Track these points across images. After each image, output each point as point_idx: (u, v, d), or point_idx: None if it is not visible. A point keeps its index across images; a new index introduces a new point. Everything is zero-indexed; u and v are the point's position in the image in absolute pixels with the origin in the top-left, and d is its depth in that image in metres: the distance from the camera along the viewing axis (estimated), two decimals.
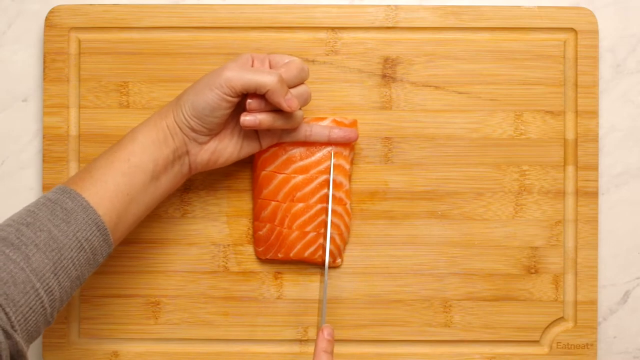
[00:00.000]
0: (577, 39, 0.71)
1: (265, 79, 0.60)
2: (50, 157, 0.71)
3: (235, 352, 0.71)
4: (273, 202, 0.68)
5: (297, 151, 0.68)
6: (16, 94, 0.73)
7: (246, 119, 0.62)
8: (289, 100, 0.61)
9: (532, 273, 0.71)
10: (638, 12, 0.73)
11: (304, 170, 0.68)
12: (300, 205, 0.68)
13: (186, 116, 0.61)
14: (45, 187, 0.70)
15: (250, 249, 0.71)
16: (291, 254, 0.69)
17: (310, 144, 0.68)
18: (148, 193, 0.61)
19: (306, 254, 0.69)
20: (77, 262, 0.55)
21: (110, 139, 0.70)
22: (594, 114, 0.70)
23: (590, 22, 0.70)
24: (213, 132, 0.63)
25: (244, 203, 0.71)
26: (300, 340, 0.71)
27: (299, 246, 0.68)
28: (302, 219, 0.68)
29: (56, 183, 0.70)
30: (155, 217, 0.70)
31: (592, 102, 0.70)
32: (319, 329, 0.63)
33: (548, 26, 0.71)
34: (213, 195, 0.71)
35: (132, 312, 0.71)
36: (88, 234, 0.56)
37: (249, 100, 0.62)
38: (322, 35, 0.71)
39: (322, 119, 0.69)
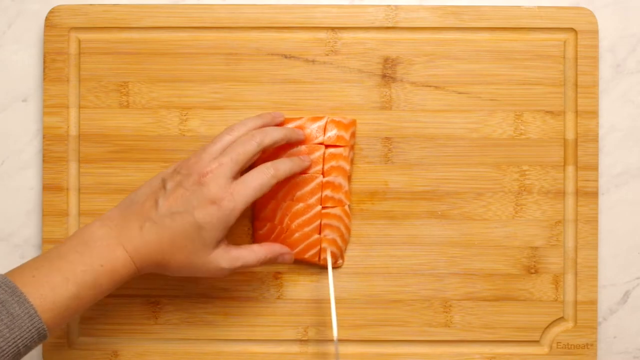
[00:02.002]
0: (577, 39, 0.71)
1: (256, 258, 0.62)
2: (50, 157, 0.71)
3: (235, 352, 0.71)
4: (273, 202, 0.68)
5: (295, 151, 0.68)
6: (16, 94, 0.73)
7: (286, 257, 0.66)
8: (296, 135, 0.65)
9: (532, 273, 0.71)
10: (638, 12, 0.73)
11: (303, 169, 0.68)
12: (300, 205, 0.68)
13: (167, 274, 0.61)
14: (45, 187, 0.70)
15: None
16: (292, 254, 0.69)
17: (310, 143, 0.68)
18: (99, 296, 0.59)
19: (307, 255, 0.69)
20: None
21: (110, 139, 0.71)
22: (594, 114, 0.70)
23: (590, 22, 0.70)
24: None
25: None
26: (300, 340, 0.71)
27: (300, 247, 0.68)
28: (302, 218, 0.68)
29: (56, 183, 0.70)
30: None
31: (592, 102, 0.70)
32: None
33: (548, 26, 0.71)
34: None
35: (132, 312, 0.71)
36: (28, 342, 0.54)
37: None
38: (322, 35, 0.71)
39: (320, 118, 0.69)
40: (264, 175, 0.61)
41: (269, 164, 0.63)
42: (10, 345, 0.53)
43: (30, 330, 0.54)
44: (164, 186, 0.61)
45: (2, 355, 0.53)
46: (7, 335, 0.53)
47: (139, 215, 0.60)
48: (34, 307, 0.54)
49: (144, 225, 0.59)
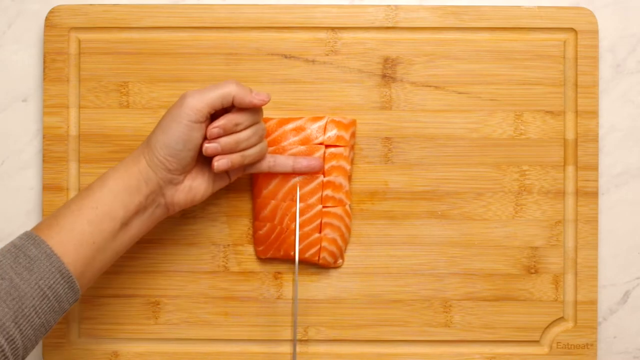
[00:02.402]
0: (577, 39, 0.71)
1: (226, 88, 0.60)
2: (50, 157, 0.71)
3: (235, 352, 0.71)
4: (273, 201, 0.68)
5: (295, 151, 0.68)
6: (16, 94, 0.73)
7: (219, 163, 0.61)
8: (257, 96, 0.61)
9: (532, 273, 0.71)
10: (638, 12, 0.73)
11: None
12: (301, 204, 0.68)
13: (160, 158, 0.60)
14: (45, 187, 0.70)
15: (250, 248, 0.71)
16: (292, 253, 0.68)
17: (310, 143, 0.68)
18: (117, 240, 0.60)
19: (307, 254, 0.69)
20: (40, 311, 0.54)
21: (111, 139, 0.71)
22: (594, 114, 0.70)
23: (590, 22, 0.70)
24: (187, 168, 0.62)
25: (244, 203, 0.71)
26: (300, 340, 0.71)
27: (300, 247, 0.68)
28: (303, 218, 0.68)
29: (56, 183, 0.70)
30: None
31: (592, 102, 0.70)
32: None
33: (548, 26, 0.71)
34: (213, 195, 0.71)
35: (132, 312, 0.71)
36: (52, 282, 0.55)
37: (204, 145, 0.61)
38: (322, 35, 0.71)
39: (320, 118, 0.69)
40: (226, 83, 0.61)
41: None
42: (32, 287, 0.54)
43: (50, 270, 0.55)
44: None
45: (28, 298, 0.54)
46: (28, 277, 0.54)
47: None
48: (51, 247, 0.56)
49: (142, 146, 0.62)
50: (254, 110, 0.63)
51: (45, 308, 0.55)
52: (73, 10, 0.71)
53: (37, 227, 0.58)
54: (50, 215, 0.59)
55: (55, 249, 0.56)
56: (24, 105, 0.73)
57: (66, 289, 0.56)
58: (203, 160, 0.64)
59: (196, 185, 0.63)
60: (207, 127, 0.61)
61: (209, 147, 0.61)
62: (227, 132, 0.62)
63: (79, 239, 0.57)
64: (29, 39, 0.73)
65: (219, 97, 0.60)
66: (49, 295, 0.55)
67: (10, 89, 0.73)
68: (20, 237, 0.57)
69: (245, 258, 0.71)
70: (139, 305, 0.71)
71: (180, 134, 0.60)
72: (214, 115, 0.62)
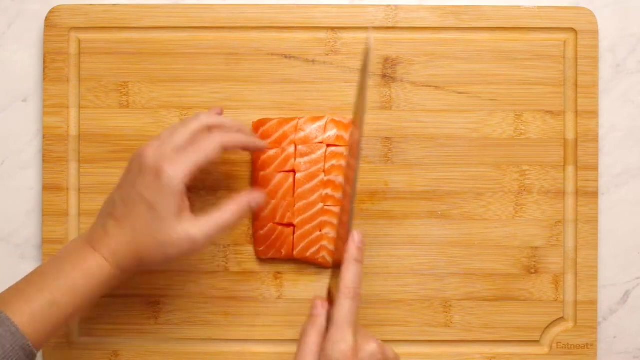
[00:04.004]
0: (577, 39, 0.71)
1: (229, 215, 0.58)
2: (50, 157, 0.71)
3: (235, 352, 0.71)
4: (273, 201, 0.68)
5: (294, 149, 0.68)
6: (16, 94, 0.73)
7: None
8: (256, 145, 0.62)
9: (532, 273, 0.71)
10: (638, 12, 0.73)
11: (304, 167, 0.68)
12: (302, 202, 0.68)
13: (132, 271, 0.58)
14: (45, 187, 0.70)
15: (250, 249, 0.71)
16: (294, 252, 0.69)
17: (310, 143, 0.68)
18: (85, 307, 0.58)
19: (308, 253, 0.69)
20: None
21: (110, 139, 0.71)
22: (594, 114, 0.71)
23: (590, 22, 0.70)
24: None
25: None
26: None
27: (301, 246, 0.68)
28: (303, 216, 0.68)
29: (56, 183, 0.70)
30: None
31: (592, 102, 0.71)
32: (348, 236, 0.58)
33: (548, 26, 0.71)
34: (213, 195, 0.71)
35: (132, 312, 0.71)
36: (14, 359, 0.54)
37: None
38: (322, 35, 0.71)
39: (320, 118, 0.69)
40: (208, 138, 0.58)
41: (216, 130, 0.60)
42: None
43: (14, 349, 0.53)
44: (119, 184, 0.60)
45: None
46: None
47: (101, 216, 0.59)
48: (15, 324, 0.54)
49: (105, 223, 0.58)
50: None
51: None
52: (73, 10, 0.71)
53: (1, 299, 0.56)
54: (15, 288, 0.57)
55: (20, 326, 0.54)
56: (24, 105, 0.73)
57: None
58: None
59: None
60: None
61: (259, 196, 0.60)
62: None
63: (47, 322, 0.55)
64: (29, 39, 0.73)
65: (225, 225, 0.58)
66: None
67: (10, 89, 0.73)
68: None
69: (245, 258, 0.71)
70: (139, 305, 0.71)
71: (170, 259, 0.57)
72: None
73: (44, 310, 0.55)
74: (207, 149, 0.58)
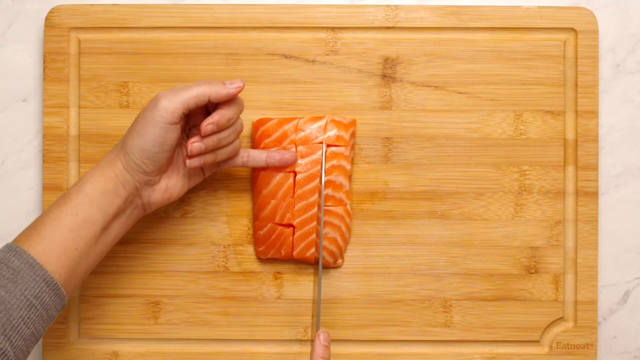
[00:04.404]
0: (577, 39, 0.71)
1: (199, 87, 0.60)
2: (50, 157, 0.71)
3: (235, 352, 0.71)
4: (273, 201, 0.68)
5: (295, 150, 0.68)
6: (16, 94, 0.73)
7: (191, 161, 0.62)
8: (231, 85, 0.61)
9: (532, 273, 0.71)
10: (638, 12, 0.73)
11: (304, 168, 0.68)
12: (301, 203, 0.68)
13: (136, 161, 0.60)
14: (45, 187, 0.70)
15: (250, 249, 0.71)
16: (294, 253, 0.69)
17: (310, 143, 0.68)
18: (98, 243, 0.60)
19: (308, 254, 0.69)
20: (28, 321, 0.54)
21: (111, 139, 0.71)
22: (594, 114, 0.71)
23: (590, 22, 0.70)
24: (163, 169, 0.62)
25: (244, 203, 0.71)
26: (300, 340, 0.71)
27: (301, 246, 0.68)
28: (303, 217, 0.68)
29: (56, 183, 0.70)
30: (155, 217, 0.70)
31: (592, 102, 0.71)
32: (314, 333, 0.63)
33: (548, 26, 0.71)
34: (213, 195, 0.71)
35: (132, 312, 0.71)
36: (37, 292, 0.55)
37: (190, 145, 0.61)
38: (322, 35, 0.71)
39: (320, 118, 0.69)
40: (199, 85, 0.61)
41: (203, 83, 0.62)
42: (18, 298, 0.54)
43: (35, 280, 0.55)
44: None
45: (15, 309, 0.53)
46: (12, 288, 0.54)
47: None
48: (33, 256, 0.55)
49: (116, 146, 0.62)
50: (237, 103, 0.63)
51: (34, 317, 0.55)
52: (73, 10, 0.71)
53: (17, 239, 0.57)
54: (30, 225, 0.58)
55: (37, 258, 0.56)
56: (24, 105, 0.73)
57: (53, 297, 0.56)
58: (177, 159, 0.64)
59: (172, 184, 0.63)
60: (181, 127, 0.61)
61: (194, 146, 0.61)
62: (220, 128, 0.62)
63: (61, 246, 0.57)
64: (29, 39, 0.73)
65: (193, 97, 0.60)
66: (36, 304, 0.55)
67: (10, 89, 0.73)
68: (1, 250, 0.56)
69: (245, 258, 0.71)
70: (139, 305, 0.71)
71: (155, 136, 0.59)
72: (188, 116, 0.62)
73: (61, 236, 0.57)
74: (195, 90, 0.60)
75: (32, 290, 0.55)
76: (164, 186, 0.63)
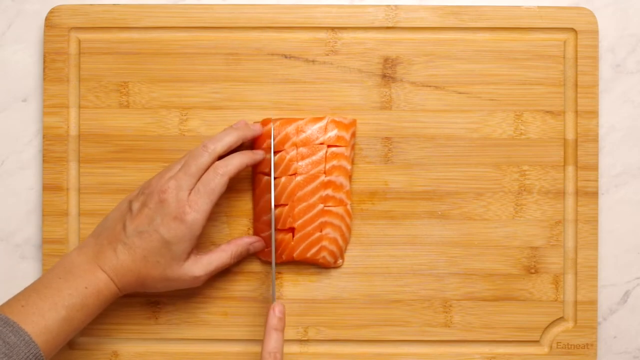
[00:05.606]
0: (577, 39, 0.71)
1: (228, 257, 0.67)
2: (50, 157, 0.71)
3: (235, 352, 0.71)
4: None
5: (297, 152, 0.68)
6: (16, 94, 0.73)
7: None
8: (255, 159, 0.66)
9: (532, 273, 0.71)
10: (638, 12, 0.73)
11: (304, 169, 0.68)
12: (302, 205, 0.68)
13: (151, 290, 0.64)
14: (45, 187, 0.70)
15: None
16: (294, 255, 0.68)
17: (311, 144, 0.68)
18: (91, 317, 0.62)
19: (309, 254, 0.69)
20: None
21: (110, 139, 0.71)
22: (594, 114, 0.71)
23: (590, 22, 0.70)
24: None
25: (244, 203, 0.71)
26: (300, 340, 0.71)
27: (301, 247, 0.68)
28: (304, 218, 0.68)
29: (56, 183, 0.70)
30: None
31: (592, 102, 0.71)
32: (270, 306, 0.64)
33: (548, 26, 0.71)
34: None
35: (132, 312, 0.71)
36: None
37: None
38: (322, 35, 0.71)
39: (321, 118, 0.69)
40: (215, 175, 0.63)
41: (218, 163, 0.64)
42: None
43: (27, 357, 0.55)
44: (130, 208, 0.64)
45: None
46: None
47: (111, 239, 0.63)
48: (29, 334, 0.56)
49: (116, 247, 0.62)
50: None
51: None
52: (73, 10, 0.71)
53: (11, 307, 0.58)
54: (21, 296, 0.59)
55: (32, 334, 0.56)
56: (24, 105, 0.73)
57: None
58: None
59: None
60: None
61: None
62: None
63: (54, 326, 0.58)
64: (29, 39, 0.73)
65: (215, 193, 0.64)
66: None
67: (10, 89, 0.73)
68: None
69: (245, 258, 0.71)
70: (139, 305, 0.71)
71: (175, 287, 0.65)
72: None
73: (58, 325, 0.58)
74: (215, 188, 0.63)
75: None
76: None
